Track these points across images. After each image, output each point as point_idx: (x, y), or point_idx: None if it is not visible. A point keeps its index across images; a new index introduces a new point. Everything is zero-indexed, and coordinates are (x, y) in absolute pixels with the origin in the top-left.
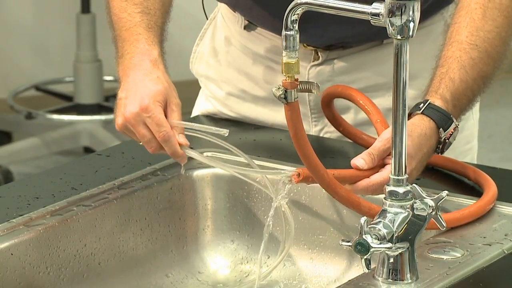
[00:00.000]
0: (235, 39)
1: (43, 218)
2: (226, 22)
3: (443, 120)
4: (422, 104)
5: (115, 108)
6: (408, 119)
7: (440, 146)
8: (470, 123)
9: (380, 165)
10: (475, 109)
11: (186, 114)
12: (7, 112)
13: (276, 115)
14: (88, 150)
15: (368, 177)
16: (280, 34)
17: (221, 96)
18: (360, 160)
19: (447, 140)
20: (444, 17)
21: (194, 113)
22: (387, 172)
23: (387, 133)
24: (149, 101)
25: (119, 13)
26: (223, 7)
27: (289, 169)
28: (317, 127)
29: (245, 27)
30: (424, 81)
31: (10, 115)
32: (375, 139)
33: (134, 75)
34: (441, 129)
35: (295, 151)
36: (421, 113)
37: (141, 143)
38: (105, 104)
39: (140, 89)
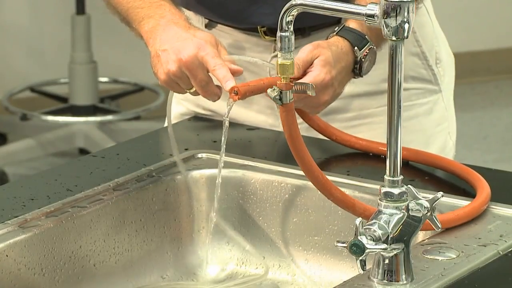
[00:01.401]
0: None
1: (38, 219)
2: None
3: (357, 39)
4: (337, 28)
5: (155, 63)
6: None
7: (358, 66)
8: (440, 106)
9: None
10: (446, 94)
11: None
12: (2, 113)
13: (247, 112)
14: (83, 151)
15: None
16: (230, 23)
17: (192, 96)
18: None
19: (362, 60)
20: None
21: (173, 118)
22: (309, 77)
23: (309, 46)
24: (205, 42)
25: None
26: (185, 9)
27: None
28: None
29: (206, 26)
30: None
31: (5, 116)
32: (374, 142)
33: (172, 30)
34: (356, 48)
35: (290, 152)
36: (336, 34)
37: (189, 91)
38: (100, 105)
39: (189, 36)
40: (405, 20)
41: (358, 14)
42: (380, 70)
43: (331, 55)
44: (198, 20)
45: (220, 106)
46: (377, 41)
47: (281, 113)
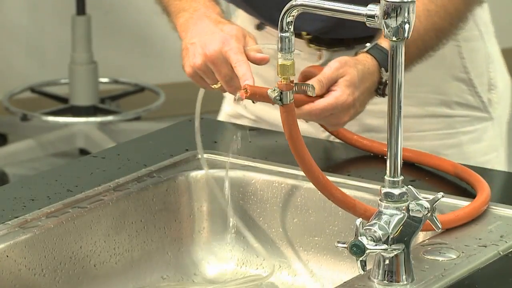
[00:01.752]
0: None
1: (38, 220)
2: (242, 22)
3: (386, 60)
4: (369, 44)
5: (183, 56)
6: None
7: (382, 87)
8: (489, 135)
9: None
10: (500, 121)
11: (188, 114)
12: (3, 114)
13: None
14: (83, 152)
15: (313, 102)
16: (273, 26)
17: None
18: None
19: (388, 82)
20: (457, 38)
21: (220, 117)
22: (331, 97)
23: (336, 62)
24: (230, 37)
25: None
26: (238, 9)
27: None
28: (326, 132)
29: (257, 27)
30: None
31: (6, 117)
32: (376, 142)
33: (203, 23)
34: (383, 69)
35: (290, 152)
36: (366, 51)
37: (215, 87)
38: (101, 106)
39: (217, 30)
40: (406, 20)
41: (358, 14)
42: (427, 93)
43: (356, 75)
44: (250, 21)
45: (266, 112)
46: (408, 65)
47: (282, 114)
